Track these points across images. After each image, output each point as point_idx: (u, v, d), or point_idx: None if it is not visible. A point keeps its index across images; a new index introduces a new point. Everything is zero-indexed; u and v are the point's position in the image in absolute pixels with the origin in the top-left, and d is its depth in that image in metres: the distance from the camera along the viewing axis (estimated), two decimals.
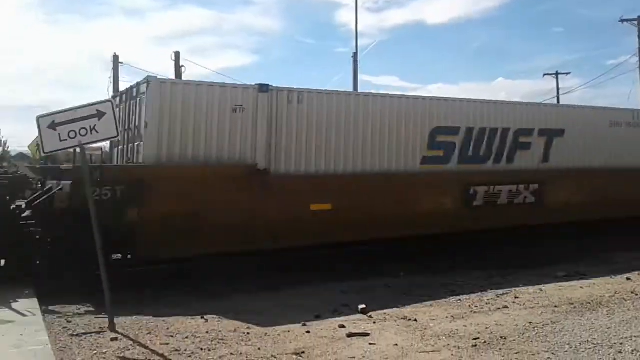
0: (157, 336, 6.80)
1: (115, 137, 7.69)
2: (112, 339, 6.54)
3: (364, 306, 8.35)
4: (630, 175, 15.40)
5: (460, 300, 8.92)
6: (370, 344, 6.51)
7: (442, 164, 12.99)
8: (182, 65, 30.16)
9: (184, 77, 28.29)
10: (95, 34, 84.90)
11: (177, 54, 30.19)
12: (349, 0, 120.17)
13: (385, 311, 8.23)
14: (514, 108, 14.40)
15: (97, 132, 7.18)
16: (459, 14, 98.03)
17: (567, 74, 47.24)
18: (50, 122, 7.07)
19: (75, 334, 6.75)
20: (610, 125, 15.62)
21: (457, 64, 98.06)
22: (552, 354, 5.96)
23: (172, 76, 28.67)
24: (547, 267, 11.65)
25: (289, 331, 7.17)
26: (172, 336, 6.81)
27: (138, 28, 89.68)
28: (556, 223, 14.49)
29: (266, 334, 7.04)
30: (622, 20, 35.04)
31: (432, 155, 12.83)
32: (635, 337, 6.45)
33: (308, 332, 7.13)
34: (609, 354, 5.88)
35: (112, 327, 6.89)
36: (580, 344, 6.24)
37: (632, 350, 5.97)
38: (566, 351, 6.03)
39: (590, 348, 6.09)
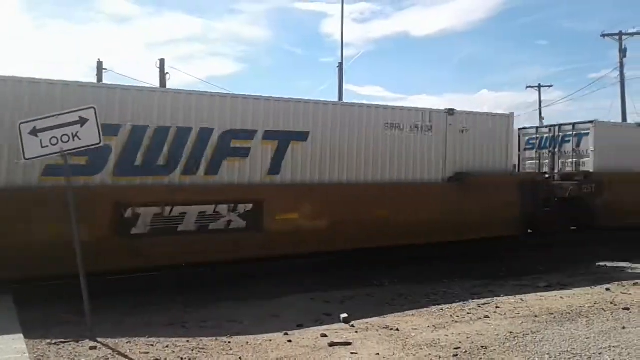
0: (137, 345, 6.74)
1: (98, 144, 7.27)
2: (91, 348, 6.46)
3: (346, 315, 8.35)
4: (415, 191, 12.95)
5: (442, 309, 8.95)
6: (352, 353, 6.50)
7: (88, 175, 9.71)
8: (167, 73, 30.04)
9: (168, 85, 28.24)
10: (80, 39, 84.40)
11: (161, 62, 30.08)
12: (336, 11, 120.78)
13: (367, 320, 8.23)
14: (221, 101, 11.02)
15: (79, 138, 7.11)
16: (444, 26, 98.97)
17: (550, 86, 48.34)
18: (31, 129, 7.00)
19: (53, 342, 6.65)
20: (386, 128, 12.83)
21: (441, 76, 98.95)
22: None
23: (157, 84, 28.59)
24: (529, 277, 11.76)
25: (270, 340, 7.14)
26: (152, 345, 6.75)
27: (124, 35, 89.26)
28: (279, 255, 11.52)
29: (247, 342, 7.01)
30: (604, 35, 35.65)
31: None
32: (613, 347, 6.51)
33: (290, 341, 7.10)
34: None
35: (91, 336, 6.81)
36: (560, 353, 6.29)
37: None
38: None
39: (569, 358, 6.14)
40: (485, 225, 13.70)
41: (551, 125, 18.72)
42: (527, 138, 19.02)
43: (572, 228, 16.79)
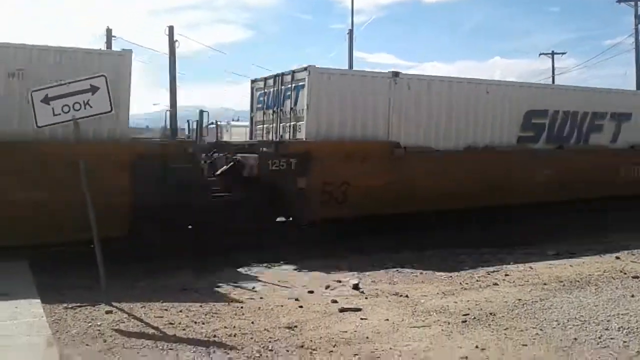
0: (151, 309, 6.87)
1: (109, 111, 7.38)
2: (107, 312, 6.60)
3: (356, 282, 8.45)
4: None
5: (451, 277, 9.02)
6: (361, 318, 6.59)
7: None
8: (176, 40, 29.91)
9: (177, 52, 28.12)
10: (87, 7, 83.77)
11: (170, 29, 29.90)
12: None
13: (377, 287, 8.33)
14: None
15: (90, 106, 7.14)
16: None
17: (563, 53, 47.66)
18: (43, 96, 7.03)
19: (70, 306, 6.79)
20: None
21: (453, 43, 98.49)
22: (540, 330, 6.06)
23: (166, 50, 28.45)
24: (538, 246, 11.79)
25: (282, 306, 7.25)
26: (166, 310, 6.88)
27: (131, 1, 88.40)
28: None
29: (259, 308, 7.13)
30: (620, 1, 34.92)
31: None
32: (622, 314, 6.55)
33: (301, 306, 7.21)
34: (596, 331, 5.98)
35: (106, 300, 6.95)
36: (568, 320, 6.34)
37: (619, 328, 6.07)
38: (554, 327, 6.13)
39: (577, 325, 6.19)
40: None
41: (275, 75, 13.62)
42: (258, 94, 14.28)
43: (280, 220, 12.89)
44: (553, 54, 45.97)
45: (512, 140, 14.87)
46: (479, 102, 14.23)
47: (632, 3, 34.49)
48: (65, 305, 6.85)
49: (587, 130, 16.24)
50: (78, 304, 6.87)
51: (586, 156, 15.73)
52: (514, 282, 8.50)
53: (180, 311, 6.83)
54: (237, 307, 7.12)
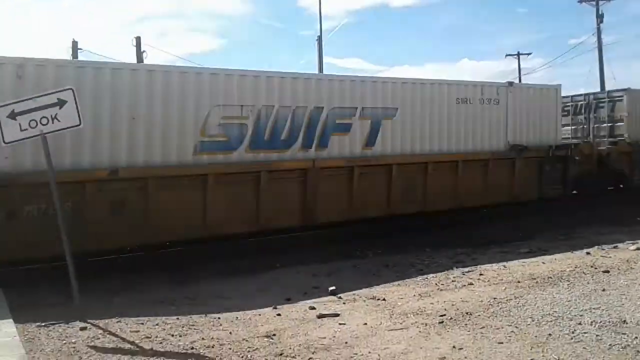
0: (126, 324, 6.78)
1: (78, 125, 7.25)
2: (81, 328, 6.50)
3: (333, 288, 8.47)
4: None
5: (427, 278, 9.10)
6: (340, 324, 6.62)
7: None
8: (144, 51, 29.69)
9: (146, 62, 27.85)
10: (53, 16, 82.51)
11: (138, 39, 29.76)
12: None
13: (354, 292, 8.36)
14: None
15: (58, 120, 7.04)
16: None
17: (528, 54, 48.64)
18: (9, 112, 6.89)
19: (43, 324, 6.67)
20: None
21: (422, 46, 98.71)
22: (516, 327, 6.17)
23: (135, 61, 28.16)
24: (510, 244, 11.97)
25: (259, 315, 7.23)
26: (142, 323, 6.80)
27: (98, 11, 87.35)
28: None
29: (237, 318, 7.10)
30: (581, 1, 35.76)
31: None
32: (594, 309, 6.70)
33: (279, 314, 7.20)
34: (570, 326, 6.11)
35: (80, 316, 6.84)
36: (542, 317, 6.46)
37: (591, 322, 6.20)
38: (529, 324, 6.24)
39: (551, 321, 6.31)
40: None
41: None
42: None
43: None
44: (519, 54, 46.91)
45: None
46: None
47: (594, 3, 35.36)
48: (38, 323, 6.72)
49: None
50: (52, 322, 6.75)
51: None
52: (488, 280, 8.61)
53: (157, 324, 6.76)
54: (214, 318, 7.08)
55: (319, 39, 29.88)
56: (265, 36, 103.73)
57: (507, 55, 47.95)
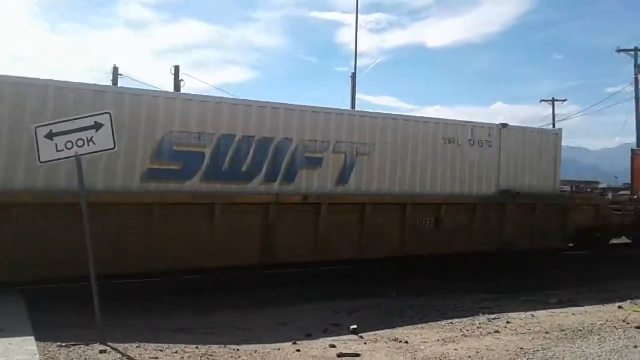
0: (146, 350, 6.74)
1: (112, 148, 7.37)
2: (101, 351, 6.48)
3: (355, 326, 8.32)
4: None
5: (451, 323, 8.88)
6: None
7: None
8: (181, 80, 30.31)
9: (182, 91, 28.43)
10: (96, 44, 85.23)
11: (176, 68, 30.34)
12: (351, 20, 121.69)
13: (376, 332, 8.19)
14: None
15: (94, 143, 7.16)
16: (460, 37, 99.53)
17: (563, 100, 48.09)
18: (47, 132, 7.05)
19: (63, 344, 6.67)
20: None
21: (455, 87, 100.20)
22: None
23: (171, 89, 28.77)
24: (539, 293, 11.66)
25: (278, 349, 7.12)
26: (161, 350, 6.76)
27: (140, 40, 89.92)
28: None
29: (256, 350, 7.00)
30: (619, 50, 35.60)
31: None
32: None
33: (298, 350, 7.08)
34: None
35: (101, 339, 6.83)
36: None
37: None
38: None
39: None
40: None
41: None
42: None
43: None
44: (553, 100, 46.63)
45: None
46: None
47: (632, 52, 35.15)
48: (59, 343, 6.73)
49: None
50: (72, 342, 6.75)
51: None
52: (515, 329, 8.36)
53: (176, 352, 6.71)
54: (233, 349, 6.99)
55: (353, 75, 30.11)
56: (300, 70, 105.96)
57: (541, 100, 47.80)
